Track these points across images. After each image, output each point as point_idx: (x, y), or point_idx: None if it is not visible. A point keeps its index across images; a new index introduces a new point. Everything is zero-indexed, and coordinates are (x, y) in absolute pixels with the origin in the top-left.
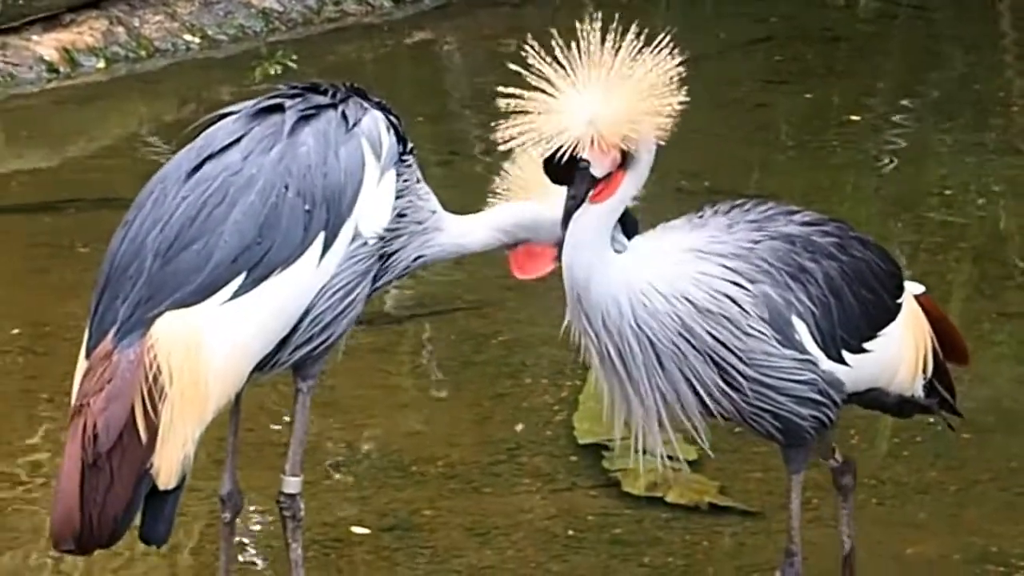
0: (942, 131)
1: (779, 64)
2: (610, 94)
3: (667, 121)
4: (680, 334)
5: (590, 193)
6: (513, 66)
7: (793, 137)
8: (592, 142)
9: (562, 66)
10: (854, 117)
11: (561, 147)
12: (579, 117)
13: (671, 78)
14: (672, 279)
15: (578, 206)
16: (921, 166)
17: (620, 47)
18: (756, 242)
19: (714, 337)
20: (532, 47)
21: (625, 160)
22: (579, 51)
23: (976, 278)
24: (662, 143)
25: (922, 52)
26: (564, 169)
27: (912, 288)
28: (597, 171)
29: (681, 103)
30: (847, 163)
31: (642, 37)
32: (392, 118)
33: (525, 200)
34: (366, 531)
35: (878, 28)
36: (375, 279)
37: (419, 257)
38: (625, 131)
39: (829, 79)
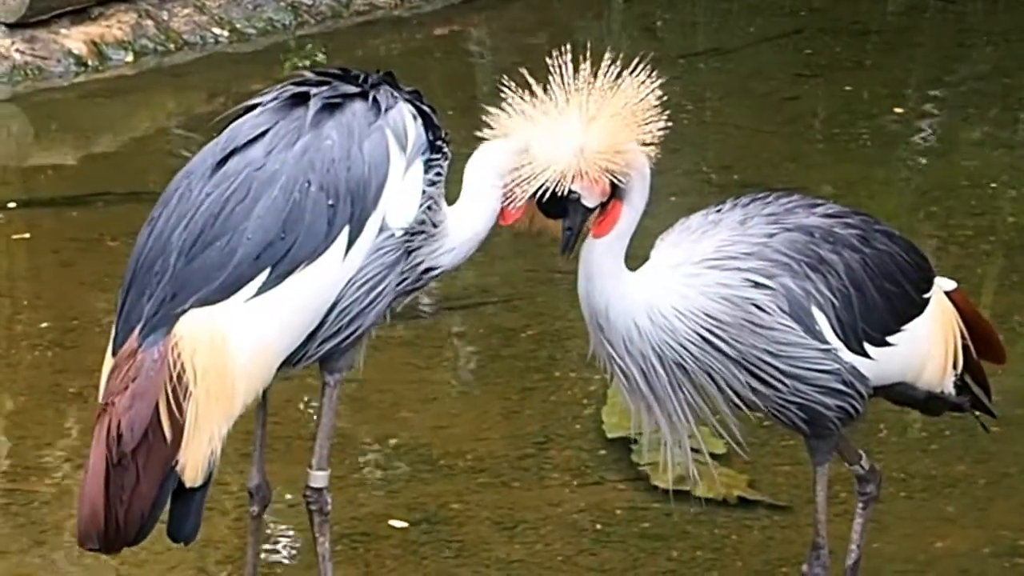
0: (972, 124)
1: (809, 57)
2: (590, 124)
3: (653, 148)
4: (703, 349)
5: (586, 223)
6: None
7: (823, 130)
8: (579, 174)
9: (541, 100)
10: (884, 110)
11: (548, 181)
12: (563, 150)
13: (651, 103)
14: (687, 294)
15: (575, 236)
16: (951, 159)
17: (597, 75)
18: (771, 235)
19: (739, 342)
20: (508, 87)
21: (617, 188)
22: (558, 82)
23: (1007, 271)
24: (654, 166)
25: (952, 45)
26: (557, 202)
27: (943, 284)
28: (589, 202)
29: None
30: (877, 156)
31: (618, 63)
32: (425, 107)
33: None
34: (394, 525)
35: (908, 21)
36: (402, 279)
37: (428, 269)
38: (608, 160)
39: (859, 72)
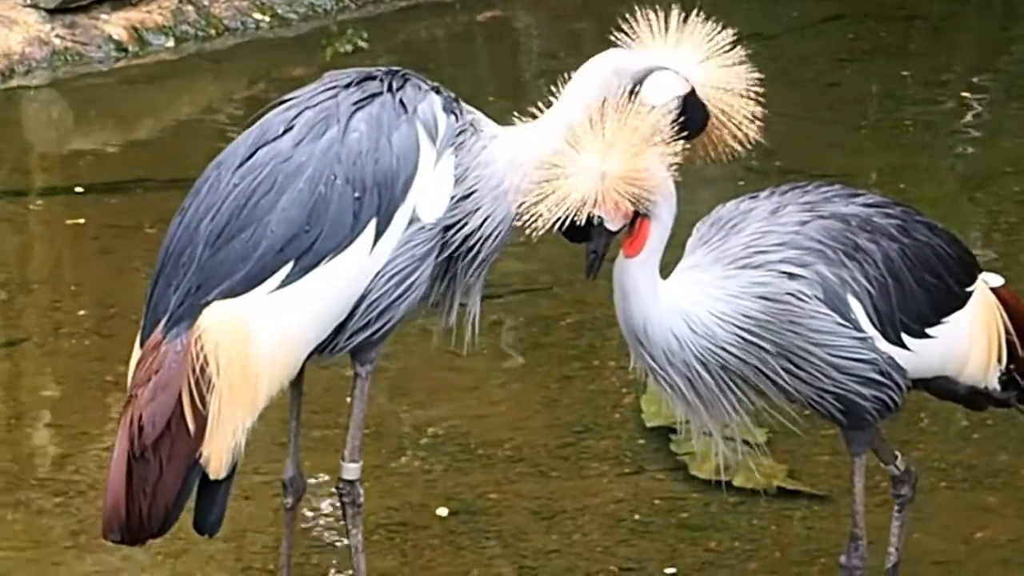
0: (1017, 110)
1: (852, 43)
2: (608, 150)
3: (672, 172)
4: (745, 349)
5: (609, 245)
6: None
7: (866, 116)
8: (599, 198)
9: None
10: (928, 96)
11: (572, 208)
12: (583, 176)
13: (665, 129)
14: (723, 298)
15: (599, 260)
16: (996, 145)
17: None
18: (804, 223)
19: (779, 336)
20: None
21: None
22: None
23: None
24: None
25: (997, 30)
26: (580, 227)
27: (990, 279)
28: (612, 225)
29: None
30: (920, 142)
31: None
32: (445, 96)
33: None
34: (432, 514)
35: (953, 7)
36: (449, 257)
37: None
38: (630, 185)
39: (903, 58)
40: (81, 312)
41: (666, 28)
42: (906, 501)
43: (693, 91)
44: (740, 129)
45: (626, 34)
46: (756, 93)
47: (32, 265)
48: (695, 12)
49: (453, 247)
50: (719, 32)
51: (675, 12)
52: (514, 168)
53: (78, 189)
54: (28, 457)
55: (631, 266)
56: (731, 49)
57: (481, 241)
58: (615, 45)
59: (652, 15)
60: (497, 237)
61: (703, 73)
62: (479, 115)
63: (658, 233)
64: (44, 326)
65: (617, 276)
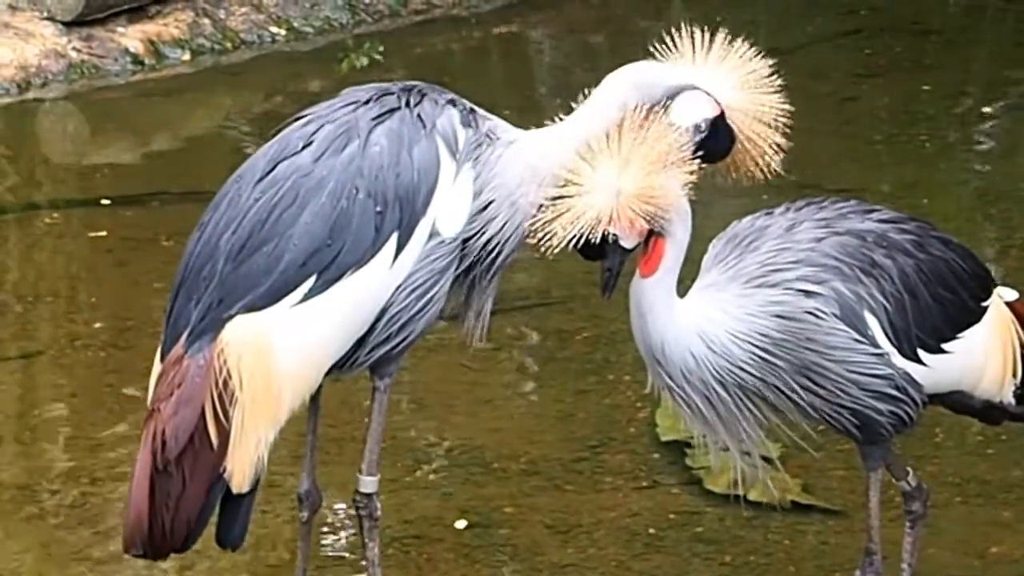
0: None
1: (868, 57)
2: (624, 167)
3: (687, 191)
4: (761, 367)
5: (624, 263)
6: None
7: (881, 131)
8: (615, 216)
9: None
10: (943, 111)
11: (587, 226)
12: (598, 193)
13: (680, 148)
14: (740, 317)
15: (615, 277)
16: (1011, 160)
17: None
18: (819, 239)
19: (797, 353)
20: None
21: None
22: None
23: None
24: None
25: (1012, 45)
26: (595, 244)
27: (1005, 293)
28: (627, 243)
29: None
30: (936, 157)
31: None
32: (462, 108)
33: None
34: (447, 528)
35: (968, 21)
36: (466, 269)
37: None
38: (643, 203)
39: (918, 72)
40: (97, 324)
41: (707, 48)
42: (918, 517)
43: (723, 114)
44: (763, 158)
45: (659, 49)
46: (784, 124)
47: (48, 278)
48: (717, 28)
49: (472, 257)
50: (758, 59)
51: (720, 34)
52: (530, 175)
53: (104, 201)
54: (43, 469)
55: (647, 286)
56: (767, 77)
57: (499, 247)
58: (630, 59)
59: (696, 33)
60: (513, 243)
61: (736, 98)
62: (496, 121)
63: (673, 252)
64: (60, 338)
65: (633, 296)
